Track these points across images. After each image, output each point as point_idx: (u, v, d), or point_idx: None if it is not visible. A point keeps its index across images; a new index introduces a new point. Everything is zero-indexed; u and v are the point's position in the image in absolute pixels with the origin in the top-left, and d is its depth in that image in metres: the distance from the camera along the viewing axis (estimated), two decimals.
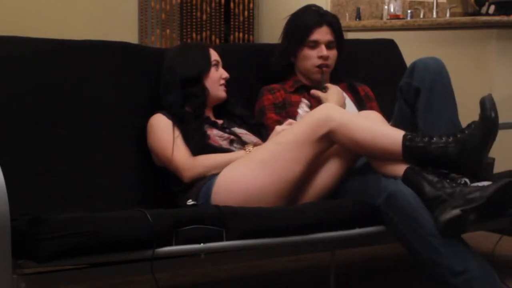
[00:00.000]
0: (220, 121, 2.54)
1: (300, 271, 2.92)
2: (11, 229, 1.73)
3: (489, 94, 2.14)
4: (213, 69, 2.52)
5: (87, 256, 1.80)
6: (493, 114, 2.10)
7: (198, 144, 2.37)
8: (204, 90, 2.49)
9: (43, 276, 1.84)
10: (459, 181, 2.12)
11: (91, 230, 1.77)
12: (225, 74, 2.54)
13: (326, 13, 2.76)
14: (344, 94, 2.77)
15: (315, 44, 2.70)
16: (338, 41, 2.74)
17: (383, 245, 3.06)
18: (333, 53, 2.73)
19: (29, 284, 1.79)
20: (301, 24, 2.72)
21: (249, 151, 2.35)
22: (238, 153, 2.36)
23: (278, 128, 2.37)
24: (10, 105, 2.30)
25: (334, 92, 2.66)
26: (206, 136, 2.40)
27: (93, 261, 1.85)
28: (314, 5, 2.79)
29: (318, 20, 2.69)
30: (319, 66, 2.70)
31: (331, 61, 2.73)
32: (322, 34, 2.69)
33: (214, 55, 2.55)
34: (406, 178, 2.18)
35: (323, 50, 2.69)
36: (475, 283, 2.05)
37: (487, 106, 2.10)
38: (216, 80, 2.52)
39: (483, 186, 2.05)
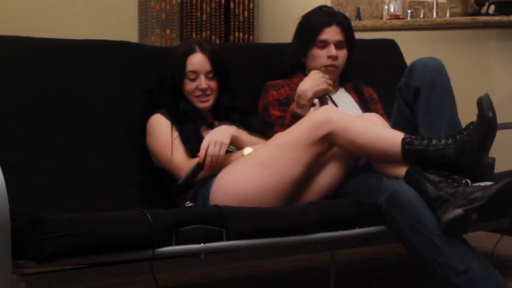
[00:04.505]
0: (217, 123, 2.52)
1: (300, 271, 2.92)
2: (11, 229, 1.73)
3: (485, 94, 2.13)
4: (186, 81, 2.44)
5: (87, 256, 1.79)
6: (490, 114, 2.10)
7: (194, 147, 2.35)
8: (185, 99, 2.46)
9: (43, 276, 1.84)
10: (460, 181, 2.12)
11: (91, 230, 1.77)
12: (201, 86, 2.42)
13: (336, 13, 2.74)
14: (347, 94, 2.77)
15: (325, 44, 2.68)
16: (348, 41, 2.73)
17: (383, 245, 3.06)
18: (342, 53, 2.71)
19: (29, 284, 1.79)
20: (311, 24, 2.71)
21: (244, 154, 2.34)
22: (235, 155, 2.34)
23: None
24: (10, 105, 2.30)
25: (308, 76, 2.63)
26: (202, 139, 2.39)
27: (93, 261, 1.85)
28: (326, 6, 2.79)
29: (328, 20, 2.68)
30: (328, 66, 2.70)
31: (340, 61, 2.71)
32: (331, 34, 2.68)
33: (191, 65, 2.43)
34: (408, 178, 2.17)
35: (332, 50, 2.67)
36: (478, 282, 2.05)
37: (484, 106, 2.10)
38: (190, 91, 2.45)
39: (485, 186, 2.06)
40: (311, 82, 2.58)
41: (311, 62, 2.72)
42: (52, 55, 2.44)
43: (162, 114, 2.43)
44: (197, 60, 2.44)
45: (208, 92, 2.45)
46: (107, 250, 1.81)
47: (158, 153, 2.39)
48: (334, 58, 2.68)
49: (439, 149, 2.15)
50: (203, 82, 2.43)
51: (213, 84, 2.46)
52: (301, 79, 2.73)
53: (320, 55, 2.69)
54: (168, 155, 2.34)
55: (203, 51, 2.46)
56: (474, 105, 2.13)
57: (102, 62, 2.52)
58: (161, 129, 2.40)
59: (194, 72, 2.44)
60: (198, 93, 2.44)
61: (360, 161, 2.35)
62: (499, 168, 2.43)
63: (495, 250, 2.47)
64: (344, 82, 2.79)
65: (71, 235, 1.74)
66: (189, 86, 2.44)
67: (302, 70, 2.78)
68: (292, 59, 2.76)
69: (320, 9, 2.75)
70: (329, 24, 2.68)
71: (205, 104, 2.46)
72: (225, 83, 2.51)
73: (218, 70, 2.47)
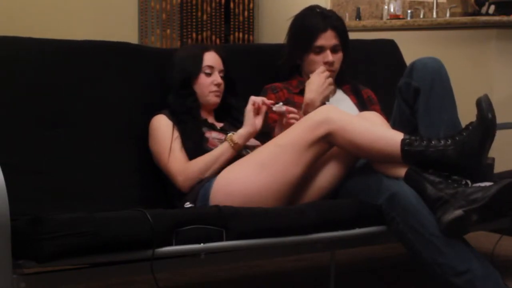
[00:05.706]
0: (220, 124, 2.53)
1: (300, 271, 2.92)
2: (11, 229, 1.73)
3: (485, 95, 2.12)
4: (202, 75, 2.49)
5: (87, 256, 1.80)
6: (490, 115, 2.09)
7: (195, 147, 2.36)
8: (193, 95, 2.48)
9: (43, 276, 1.84)
10: (460, 182, 2.12)
11: (91, 230, 1.77)
12: (217, 81, 2.49)
13: (330, 15, 2.70)
14: (346, 96, 2.76)
15: (321, 50, 2.66)
16: (343, 44, 2.71)
17: (383, 245, 3.06)
18: (338, 57, 2.70)
19: (29, 284, 1.79)
20: (306, 29, 2.67)
21: (231, 141, 2.33)
22: (223, 146, 2.34)
23: (252, 97, 2.37)
24: (10, 105, 2.30)
25: (311, 81, 2.62)
26: (203, 139, 2.39)
27: (93, 261, 1.85)
28: (318, 7, 2.74)
29: (322, 25, 2.64)
30: None
31: (336, 65, 2.70)
32: (327, 39, 2.65)
33: (208, 61, 2.50)
34: (408, 178, 2.17)
35: (329, 56, 2.65)
36: (478, 282, 2.05)
37: (484, 107, 2.09)
38: (205, 86, 2.49)
39: (485, 187, 2.06)
40: (317, 89, 2.57)
41: (308, 67, 2.71)
42: (52, 55, 2.44)
43: (164, 114, 2.43)
44: (214, 57, 2.53)
45: (220, 89, 2.52)
46: (107, 250, 1.81)
47: (157, 157, 2.40)
48: (331, 64, 2.67)
49: (438, 150, 2.15)
50: (218, 78, 2.50)
51: (223, 83, 2.53)
52: (299, 81, 2.73)
53: (317, 61, 2.67)
54: (165, 161, 2.35)
55: (217, 51, 2.56)
56: (474, 105, 2.13)
57: (102, 62, 2.52)
58: (161, 133, 2.39)
59: (211, 67, 2.50)
60: (213, 88, 2.49)
61: (360, 161, 2.35)
62: (499, 168, 2.43)
63: (495, 250, 2.46)
64: (341, 83, 2.78)
65: (71, 235, 1.74)
66: (205, 80, 2.49)
67: (299, 72, 2.77)
68: (288, 62, 2.76)
69: (313, 10, 2.71)
70: (324, 30, 2.64)
71: (217, 99, 2.52)
72: (231, 84, 2.58)
73: (227, 71, 2.56)
